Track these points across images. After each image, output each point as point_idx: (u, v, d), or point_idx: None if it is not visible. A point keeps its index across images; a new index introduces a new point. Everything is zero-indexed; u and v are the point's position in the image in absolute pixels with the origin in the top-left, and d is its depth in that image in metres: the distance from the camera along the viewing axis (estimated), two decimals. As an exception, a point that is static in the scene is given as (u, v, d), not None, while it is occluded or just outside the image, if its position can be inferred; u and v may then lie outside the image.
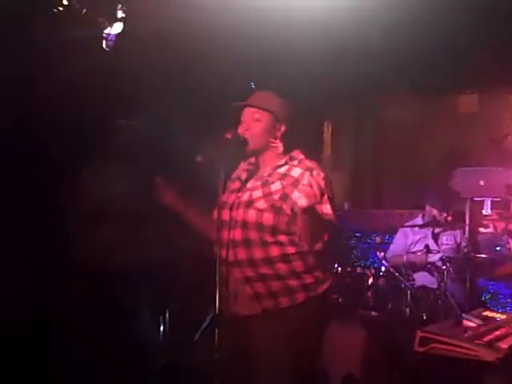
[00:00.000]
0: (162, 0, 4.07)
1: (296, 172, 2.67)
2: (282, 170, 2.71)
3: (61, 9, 3.78)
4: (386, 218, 6.40)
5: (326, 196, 2.59)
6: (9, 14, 3.62)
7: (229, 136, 2.69)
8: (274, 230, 2.60)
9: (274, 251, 2.61)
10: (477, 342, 3.24)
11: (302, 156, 2.76)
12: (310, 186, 2.45)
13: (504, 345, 3.23)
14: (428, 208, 5.35)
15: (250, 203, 2.65)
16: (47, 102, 3.77)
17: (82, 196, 3.69)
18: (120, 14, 4.00)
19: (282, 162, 2.74)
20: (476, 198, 5.37)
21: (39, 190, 3.69)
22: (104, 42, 4.00)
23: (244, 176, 2.83)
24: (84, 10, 3.84)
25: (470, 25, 4.99)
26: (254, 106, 2.75)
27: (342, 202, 6.59)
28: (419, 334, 3.32)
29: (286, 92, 2.90)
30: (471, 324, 3.57)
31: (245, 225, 2.62)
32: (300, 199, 2.31)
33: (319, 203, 2.50)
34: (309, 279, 2.65)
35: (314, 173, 2.61)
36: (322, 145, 7.18)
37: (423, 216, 5.43)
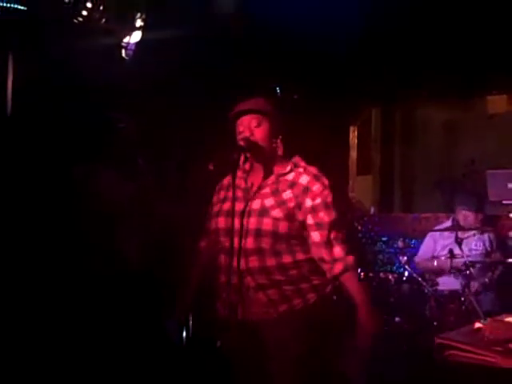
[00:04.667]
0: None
1: (304, 179, 2.67)
2: (290, 177, 2.70)
3: (80, 19, 3.85)
4: (412, 222, 6.33)
5: (329, 203, 2.65)
6: (30, 26, 3.72)
7: (242, 144, 2.68)
8: (288, 238, 2.62)
9: (287, 258, 2.63)
10: (495, 348, 3.16)
11: (303, 163, 2.76)
12: (321, 193, 2.62)
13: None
14: (462, 211, 5.16)
15: (264, 212, 2.62)
16: (68, 110, 3.86)
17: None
18: (139, 23, 4.05)
19: (287, 169, 2.72)
20: (504, 202, 5.26)
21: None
22: (123, 50, 4.06)
23: (243, 184, 2.76)
24: (103, 20, 3.90)
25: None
26: (253, 111, 2.68)
27: (368, 206, 6.56)
28: (436, 340, 3.26)
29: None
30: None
31: (258, 233, 2.61)
32: (314, 208, 2.58)
33: (327, 209, 2.63)
34: (316, 281, 2.67)
35: (321, 180, 2.67)
36: (347, 148, 7.15)
37: (453, 219, 5.24)
